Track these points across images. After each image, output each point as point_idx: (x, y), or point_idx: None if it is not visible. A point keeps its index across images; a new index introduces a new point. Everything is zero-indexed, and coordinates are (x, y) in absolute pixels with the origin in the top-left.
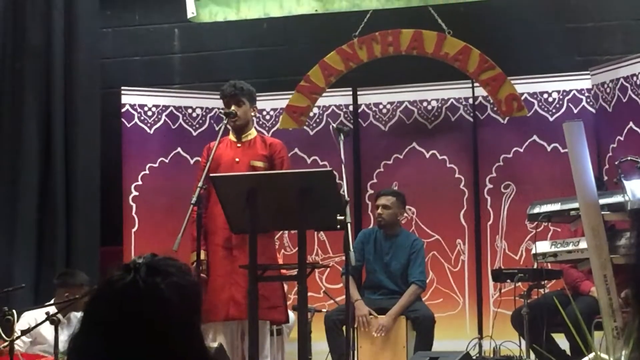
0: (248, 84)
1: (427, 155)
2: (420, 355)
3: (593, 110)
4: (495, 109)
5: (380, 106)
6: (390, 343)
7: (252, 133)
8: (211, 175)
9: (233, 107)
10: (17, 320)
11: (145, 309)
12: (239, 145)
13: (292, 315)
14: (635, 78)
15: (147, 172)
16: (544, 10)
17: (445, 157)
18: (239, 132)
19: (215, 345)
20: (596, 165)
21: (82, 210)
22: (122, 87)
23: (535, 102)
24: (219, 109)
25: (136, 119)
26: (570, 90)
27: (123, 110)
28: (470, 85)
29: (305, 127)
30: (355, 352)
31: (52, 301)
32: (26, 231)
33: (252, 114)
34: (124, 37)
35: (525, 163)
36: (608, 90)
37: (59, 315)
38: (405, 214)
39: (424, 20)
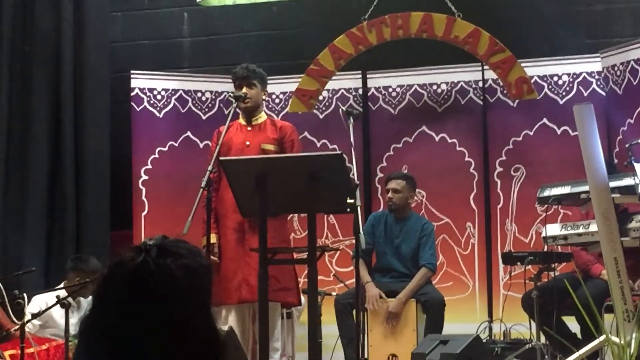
0: (260, 67)
1: (437, 139)
2: (431, 339)
3: (603, 93)
4: (505, 92)
5: (390, 89)
6: (400, 326)
7: (262, 116)
8: (220, 159)
9: (245, 89)
10: (28, 304)
11: (155, 290)
12: (249, 128)
13: (302, 298)
14: None
15: (156, 156)
16: None
17: (455, 140)
18: (249, 115)
19: (225, 328)
20: (606, 148)
21: (92, 194)
22: (132, 71)
23: (545, 85)
24: (228, 92)
25: (146, 103)
26: (581, 73)
27: (132, 94)
28: (480, 68)
29: (314, 111)
30: (366, 335)
31: (62, 285)
32: (36, 215)
33: (263, 97)
34: (133, 20)
35: (535, 146)
36: (618, 72)
37: (70, 299)
38: (415, 198)
39: (433, 3)
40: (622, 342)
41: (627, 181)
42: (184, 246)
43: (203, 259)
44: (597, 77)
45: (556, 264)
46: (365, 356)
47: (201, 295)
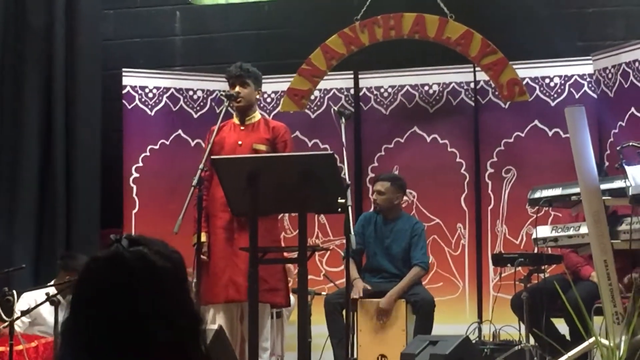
0: (253, 67)
1: (428, 140)
2: (420, 339)
3: (595, 96)
4: (496, 93)
5: (382, 90)
6: (389, 326)
7: (256, 116)
8: (212, 157)
9: (238, 88)
10: (17, 301)
11: (134, 275)
12: (242, 128)
13: (292, 298)
14: (637, 63)
15: (147, 154)
16: None
17: (446, 141)
18: (243, 114)
19: (214, 327)
20: (597, 150)
21: (83, 192)
22: (124, 69)
23: (537, 87)
24: (220, 91)
25: (137, 101)
26: (572, 76)
27: (124, 92)
28: (471, 69)
29: (306, 110)
30: (355, 335)
31: (52, 282)
32: (26, 212)
33: (257, 97)
34: (125, 18)
35: (527, 148)
36: (610, 75)
37: (59, 297)
38: (405, 198)
39: (426, 4)
40: (612, 344)
41: (617, 183)
42: (149, 238)
43: (172, 248)
44: (588, 79)
45: (546, 266)
46: (355, 356)
47: (179, 279)
